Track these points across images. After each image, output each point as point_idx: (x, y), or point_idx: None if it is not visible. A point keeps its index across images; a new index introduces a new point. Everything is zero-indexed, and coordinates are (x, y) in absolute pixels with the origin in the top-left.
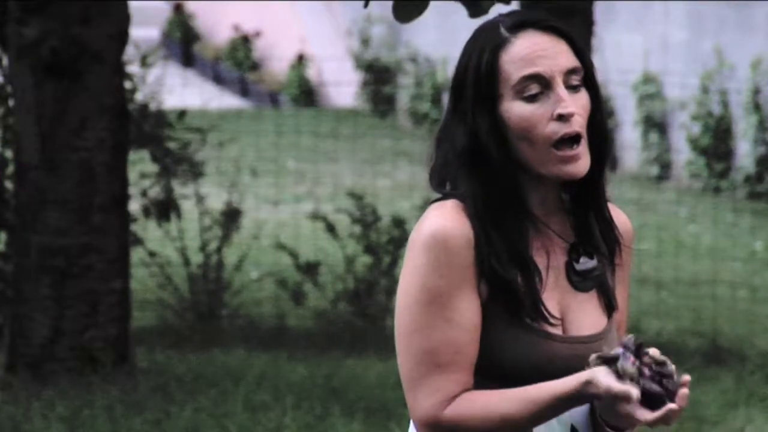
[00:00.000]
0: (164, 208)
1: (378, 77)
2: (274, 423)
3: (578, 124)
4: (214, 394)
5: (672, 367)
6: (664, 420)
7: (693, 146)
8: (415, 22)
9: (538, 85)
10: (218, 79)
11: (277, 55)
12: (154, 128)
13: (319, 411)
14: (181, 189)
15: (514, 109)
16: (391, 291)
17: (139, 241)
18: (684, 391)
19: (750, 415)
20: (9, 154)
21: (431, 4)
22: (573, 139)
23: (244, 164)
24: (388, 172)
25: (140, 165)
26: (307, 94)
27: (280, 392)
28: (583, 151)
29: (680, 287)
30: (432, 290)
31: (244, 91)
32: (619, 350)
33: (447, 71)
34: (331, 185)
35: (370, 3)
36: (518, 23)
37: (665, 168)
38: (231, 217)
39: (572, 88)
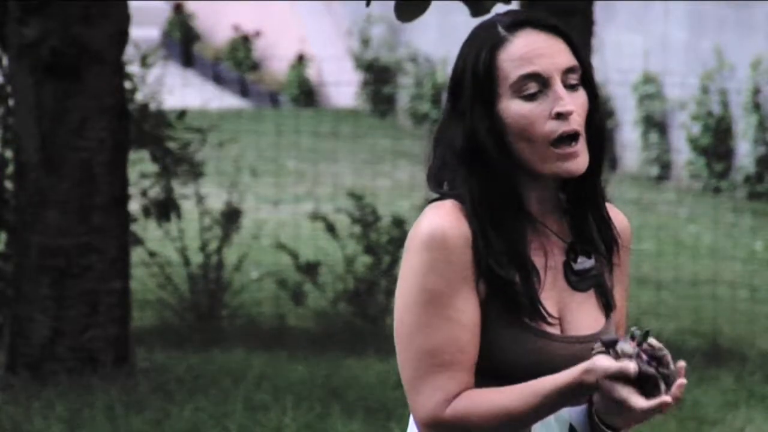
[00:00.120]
0: (164, 208)
1: (378, 77)
2: (274, 423)
3: (577, 122)
4: (214, 394)
5: (669, 356)
6: (658, 409)
7: (693, 146)
8: (415, 22)
9: (537, 84)
10: (218, 79)
11: (277, 55)
12: (154, 128)
13: (319, 411)
14: (181, 189)
15: (513, 108)
16: (391, 291)
17: (139, 241)
18: (681, 380)
19: (750, 415)
20: (9, 154)
21: (432, 3)
22: (571, 137)
23: (244, 164)
24: (388, 172)
25: (140, 165)
26: (307, 94)
27: (280, 392)
28: (581, 148)
29: (680, 287)
30: (431, 290)
31: (244, 91)
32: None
33: (447, 71)
34: (331, 185)
35: (372, 3)
36: (516, 22)
37: (665, 168)
38: (231, 217)
39: (570, 87)
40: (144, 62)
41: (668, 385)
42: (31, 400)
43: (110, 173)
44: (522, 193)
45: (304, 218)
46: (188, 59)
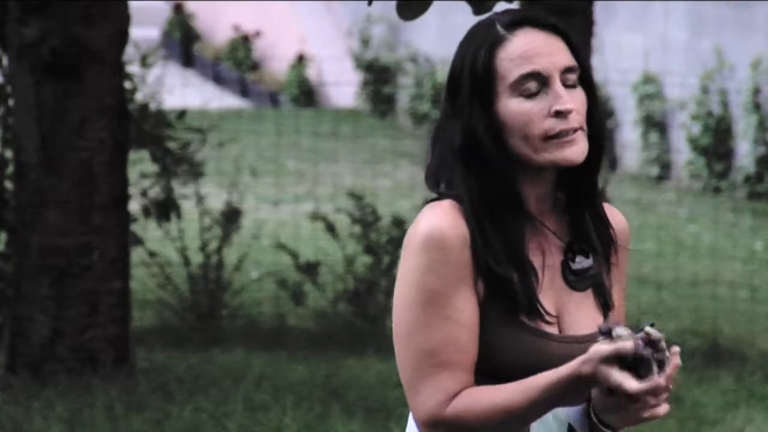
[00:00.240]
0: (164, 208)
1: (378, 77)
2: (274, 423)
3: (576, 120)
4: (214, 394)
5: (664, 343)
6: (652, 392)
7: (693, 146)
8: (415, 22)
9: (536, 83)
10: (218, 79)
11: (277, 55)
12: (154, 128)
13: (319, 411)
14: (181, 189)
15: (512, 106)
16: (390, 291)
17: (139, 241)
18: (675, 361)
19: (750, 415)
20: (9, 154)
21: (432, 3)
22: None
23: (244, 164)
24: (388, 172)
25: (140, 165)
26: (307, 94)
27: (280, 392)
28: (580, 137)
29: (680, 287)
30: (430, 289)
31: (244, 91)
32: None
33: (447, 71)
34: (331, 185)
35: (372, 2)
36: (515, 21)
37: (665, 168)
38: (231, 217)
39: (569, 87)
40: (144, 62)
41: (662, 365)
42: (31, 400)
43: (110, 173)
44: (520, 191)
45: (304, 218)
46: (188, 59)
